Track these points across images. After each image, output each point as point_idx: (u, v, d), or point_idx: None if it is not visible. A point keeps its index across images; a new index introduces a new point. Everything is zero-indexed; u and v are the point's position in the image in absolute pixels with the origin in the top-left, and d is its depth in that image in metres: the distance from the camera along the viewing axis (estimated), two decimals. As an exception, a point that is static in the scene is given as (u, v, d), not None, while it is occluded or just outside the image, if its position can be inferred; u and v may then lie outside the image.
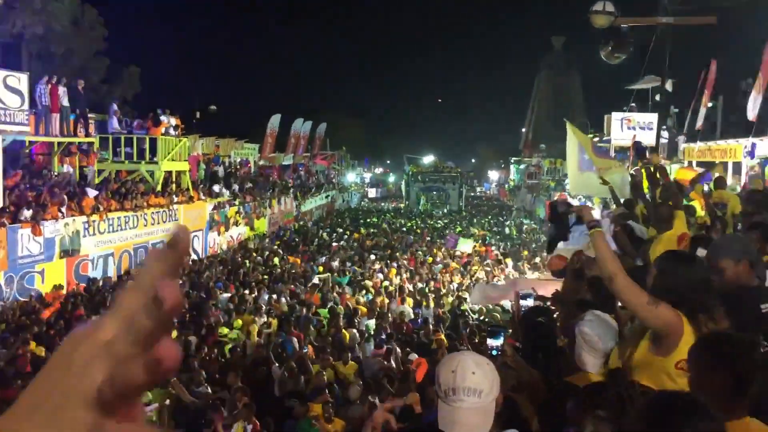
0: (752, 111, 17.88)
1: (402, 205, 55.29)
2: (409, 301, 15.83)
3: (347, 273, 19.50)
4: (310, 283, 17.37)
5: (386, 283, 18.26)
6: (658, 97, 23.99)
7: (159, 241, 20.14)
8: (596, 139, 31.87)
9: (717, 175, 9.83)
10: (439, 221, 39.94)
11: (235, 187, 28.70)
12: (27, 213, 15.13)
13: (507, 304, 12.95)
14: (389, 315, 14.29)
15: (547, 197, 39.57)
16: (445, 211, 48.97)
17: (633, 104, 27.95)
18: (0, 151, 15.87)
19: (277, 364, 10.02)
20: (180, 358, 0.53)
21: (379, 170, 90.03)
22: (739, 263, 3.31)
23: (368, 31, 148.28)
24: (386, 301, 15.62)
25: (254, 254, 22.52)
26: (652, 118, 24.44)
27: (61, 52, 32.10)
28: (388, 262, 22.08)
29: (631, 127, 26.47)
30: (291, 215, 34.36)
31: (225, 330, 12.52)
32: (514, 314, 5.64)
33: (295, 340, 11.51)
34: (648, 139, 24.02)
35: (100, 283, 16.21)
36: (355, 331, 12.60)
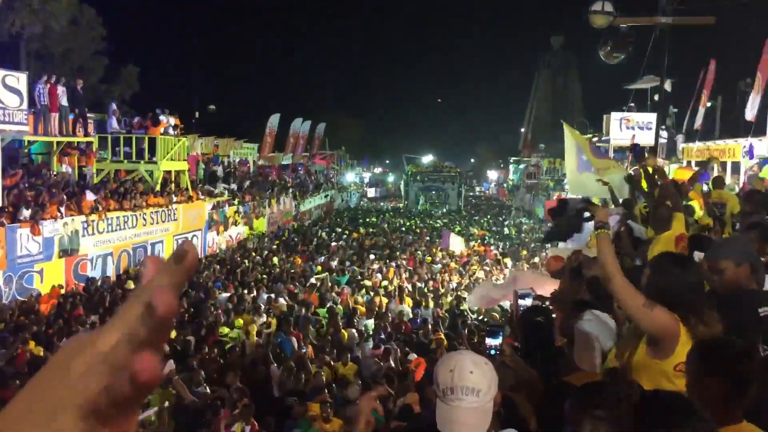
0: (750, 111, 17.90)
1: (401, 205, 55.29)
2: (408, 301, 15.82)
3: (346, 272, 19.51)
4: (309, 283, 17.38)
5: (385, 282, 18.27)
6: (657, 97, 24.02)
7: (158, 241, 20.15)
8: (595, 138, 31.88)
9: (714, 167, 9.83)
10: (438, 221, 39.94)
11: (234, 186, 28.69)
12: (26, 213, 15.12)
13: (506, 303, 12.95)
14: (389, 315, 14.28)
15: (546, 197, 39.59)
16: (444, 210, 48.98)
17: (632, 104, 27.96)
18: (-1, 151, 15.88)
19: (275, 364, 10.03)
20: (159, 372, 0.52)
21: (378, 170, 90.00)
22: (740, 266, 3.30)
23: (368, 31, 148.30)
24: (385, 301, 15.62)
25: (253, 254, 22.52)
26: (651, 117, 24.45)
27: (60, 51, 32.09)
28: (387, 261, 22.10)
29: (630, 127, 26.47)
30: (290, 215, 34.35)
31: (226, 330, 12.52)
32: (513, 314, 5.65)
33: (294, 339, 11.51)
34: (647, 138, 24.03)
35: (99, 283, 16.20)
36: (354, 331, 12.60)
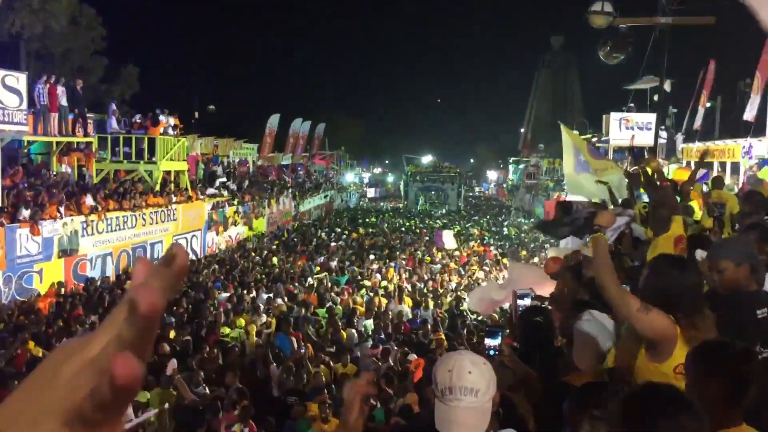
0: (750, 112, 17.91)
1: (401, 205, 55.29)
2: (408, 301, 15.82)
3: (346, 273, 19.52)
4: (307, 284, 17.40)
5: (384, 283, 18.27)
6: (656, 98, 24.03)
7: (157, 241, 20.15)
8: (595, 139, 31.90)
9: (707, 159, 9.79)
10: (437, 221, 39.95)
11: (233, 186, 28.69)
12: (25, 213, 15.12)
13: (506, 304, 12.91)
14: (389, 314, 14.28)
15: (546, 197, 39.62)
16: (444, 211, 48.98)
17: (632, 104, 27.96)
18: (-2, 151, 15.88)
19: (275, 364, 10.03)
20: (138, 374, 0.50)
21: (377, 170, 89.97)
22: (740, 266, 3.30)
23: (367, 31, 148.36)
24: (384, 301, 15.62)
25: (253, 254, 22.53)
26: (651, 118, 24.45)
27: (60, 51, 32.07)
28: (387, 262, 22.10)
29: (629, 127, 26.47)
30: (289, 215, 34.36)
31: (227, 330, 12.52)
32: (512, 314, 5.65)
33: (294, 339, 11.51)
34: (646, 139, 24.04)
35: (99, 283, 16.20)
36: (353, 331, 12.59)
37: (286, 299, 15.20)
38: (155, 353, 10.04)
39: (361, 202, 59.51)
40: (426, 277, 19.74)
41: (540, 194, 44.06)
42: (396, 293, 16.18)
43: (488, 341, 3.53)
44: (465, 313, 15.19)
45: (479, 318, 14.95)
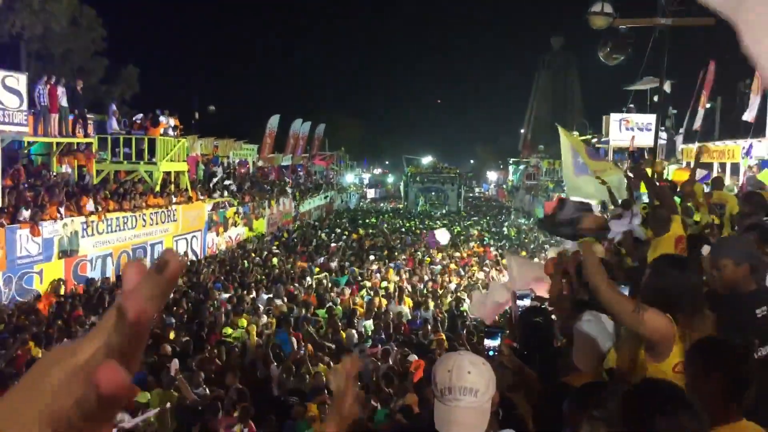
0: (749, 112, 17.92)
1: (401, 206, 55.30)
2: (408, 301, 15.82)
3: (346, 273, 19.52)
4: (307, 284, 17.41)
5: (384, 283, 18.27)
6: (656, 98, 24.04)
7: (158, 242, 20.15)
8: (595, 140, 31.93)
9: (703, 158, 9.79)
10: (437, 222, 39.95)
11: (234, 187, 28.70)
12: (26, 213, 15.13)
13: (507, 306, 12.88)
14: (390, 314, 14.27)
15: (546, 198, 39.61)
16: (444, 211, 48.98)
17: (631, 105, 27.99)
18: (-2, 152, 15.88)
19: (275, 364, 10.03)
20: (124, 383, 0.50)
21: (377, 171, 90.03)
22: (739, 265, 3.30)
23: (368, 31, 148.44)
24: (384, 302, 15.62)
25: (253, 254, 22.54)
26: (651, 119, 24.45)
27: (60, 52, 32.08)
28: (386, 262, 22.11)
29: (629, 128, 26.51)
30: (290, 216, 34.36)
31: (229, 330, 12.52)
32: (512, 315, 5.65)
33: (294, 340, 11.51)
34: (646, 140, 24.05)
35: (99, 284, 16.21)
36: (353, 331, 12.60)
37: (285, 300, 15.21)
38: (156, 354, 10.06)
39: (361, 203, 59.53)
40: (426, 278, 19.74)
41: (540, 195, 44.07)
42: (396, 294, 16.18)
43: (488, 342, 3.54)
44: (465, 314, 15.18)
45: (479, 318, 14.94)
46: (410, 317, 14.62)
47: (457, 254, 25.07)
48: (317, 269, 19.99)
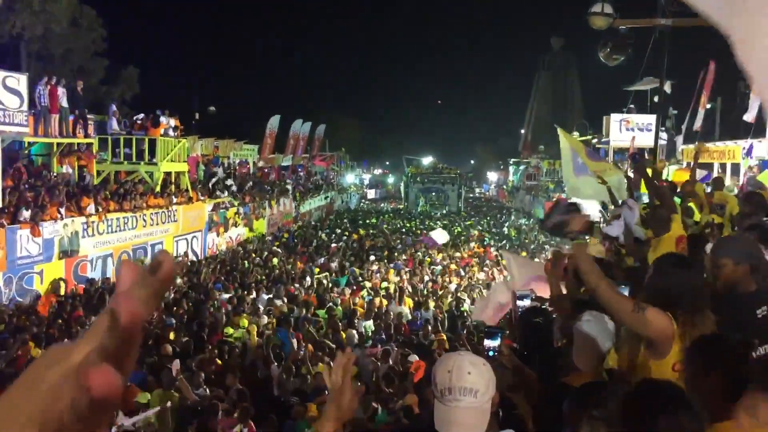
0: (750, 113, 17.92)
1: (401, 206, 55.30)
2: (409, 302, 15.82)
3: (346, 274, 19.52)
4: (307, 284, 17.42)
5: (385, 283, 18.27)
6: (656, 99, 24.04)
7: (158, 242, 20.15)
8: (595, 140, 31.93)
9: (701, 156, 9.76)
10: (437, 222, 39.95)
11: (234, 187, 28.71)
12: (26, 214, 15.14)
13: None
14: (390, 315, 14.27)
15: (546, 198, 39.60)
16: (444, 212, 48.98)
17: (632, 105, 27.98)
18: (-1, 152, 15.89)
19: (276, 364, 10.03)
20: (115, 386, 0.50)
21: (378, 171, 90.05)
22: (738, 265, 3.30)
23: (368, 32, 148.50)
24: (384, 302, 15.61)
25: (253, 255, 22.54)
26: (651, 119, 24.46)
27: (60, 52, 32.11)
28: (386, 263, 22.10)
29: (630, 129, 26.53)
30: (290, 216, 34.36)
31: (230, 330, 12.52)
32: (512, 315, 5.65)
33: (294, 340, 11.51)
34: (647, 140, 24.04)
35: (99, 284, 16.21)
36: (353, 332, 12.59)
37: (285, 300, 15.21)
38: (156, 354, 10.06)
39: (362, 204, 59.52)
40: (426, 278, 19.75)
41: (540, 196, 44.08)
42: (397, 294, 16.18)
43: (487, 342, 3.54)
44: (465, 314, 15.19)
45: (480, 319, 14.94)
46: (410, 318, 14.62)
47: (458, 254, 25.07)
48: (317, 269, 19.99)
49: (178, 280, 16.59)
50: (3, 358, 9.85)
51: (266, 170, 38.38)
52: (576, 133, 34.27)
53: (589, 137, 33.44)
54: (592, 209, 23.99)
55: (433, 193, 53.30)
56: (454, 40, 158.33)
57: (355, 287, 17.66)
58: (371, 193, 69.77)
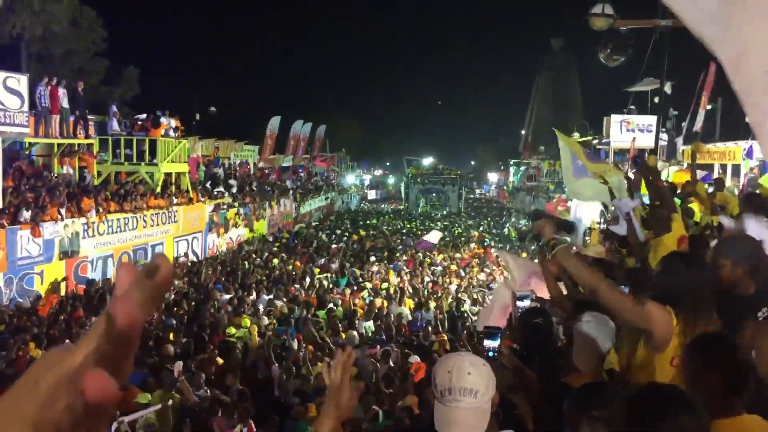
0: (751, 113, 17.88)
1: (401, 207, 55.31)
2: (409, 303, 15.82)
3: (346, 274, 19.51)
4: (308, 284, 17.41)
5: (385, 284, 18.27)
6: (657, 100, 24.04)
7: (158, 243, 20.16)
8: (595, 141, 31.91)
9: (699, 155, 9.76)
10: (438, 223, 39.94)
11: (234, 188, 28.71)
12: (26, 214, 15.14)
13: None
14: (391, 316, 14.27)
15: (547, 199, 39.60)
16: (445, 213, 48.99)
17: (632, 106, 27.96)
18: (-1, 153, 15.90)
19: (277, 365, 10.03)
20: (110, 391, 0.50)
21: (378, 172, 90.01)
22: (737, 266, 3.30)
23: (368, 33, 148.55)
24: (385, 303, 15.61)
25: (253, 255, 22.54)
26: (652, 120, 24.46)
27: (61, 53, 32.13)
28: (387, 263, 22.09)
29: (630, 129, 26.51)
30: (290, 217, 34.36)
31: (233, 330, 12.52)
32: (512, 316, 5.65)
33: (295, 340, 11.51)
34: (647, 141, 24.04)
35: (100, 285, 16.21)
36: (354, 332, 12.59)
37: (284, 301, 15.21)
38: (157, 355, 10.06)
39: (362, 204, 59.52)
40: (427, 279, 19.74)
41: (541, 196, 44.07)
42: (397, 295, 16.17)
43: (487, 342, 3.53)
44: (465, 315, 15.19)
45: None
46: (410, 318, 14.61)
47: (458, 255, 25.07)
48: (317, 270, 19.99)
49: (178, 281, 16.60)
50: (3, 359, 9.85)
51: (267, 171, 38.40)
52: (576, 134, 34.27)
53: (590, 138, 33.42)
54: (593, 210, 23.98)
55: (434, 194, 53.33)
56: (454, 40, 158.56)
57: (355, 288, 17.67)
58: (372, 194, 69.75)
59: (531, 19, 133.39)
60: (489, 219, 44.88)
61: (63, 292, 15.54)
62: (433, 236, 25.62)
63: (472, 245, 28.87)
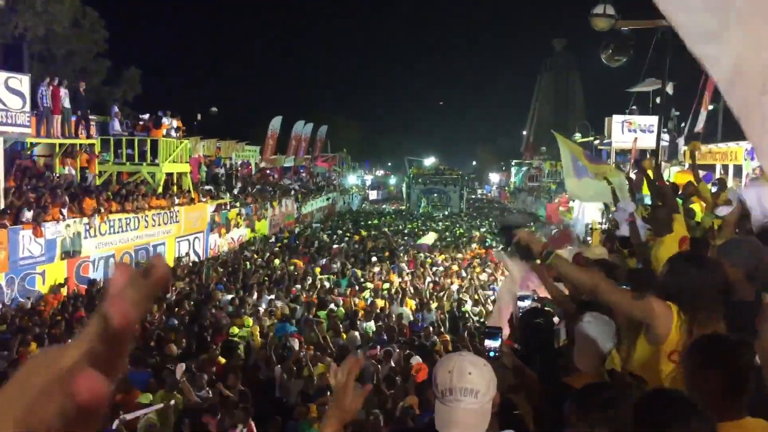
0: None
1: (403, 208, 55.30)
2: (410, 303, 15.80)
3: (347, 275, 19.50)
4: (309, 285, 17.41)
5: (386, 285, 18.25)
6: (658, 100, 24.02)
7: (160, 243, 20.17)
8: (597, 141, 31.90)
9: (698, 155, 9.75)
10: (439, 223, 39.93)
11: (236, 189, 28.74)
12: (28, 214, 15.16)
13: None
14: (392, 317, 14.25)
15: (548, 199, 39.60)
16: (446, 213, 48.99)
17: (634, 107, 27.97)
18: (1, 153, 15.91)
19: (279, 365, 10.03)
20: (101, 392, 0.49)
21: (380, 172, 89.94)
22: (734, 268, 3.30)
23: (370, 33, 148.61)
24: (387, 304, 15.59)
25: (255, 256, 22.54)
26: (653, 120, 24.46)
27: (63, 53, 32.16)
28: (388, 264, 22.07)
29: (632, 130, 26.53)
30: (292, 217, 34.38)
31: (236, 329, 12.53)
32: (512, 316, 5.65)
33: (296, 341, 11.50)
34: (649, 141, 24.03)
35: (101, 285, 16.22)
36: (356, 333, 12.58)
37: (284, 301, 15.20)
38: (159, 355, 10.06)
39: (364, 205, 59.52)
40: (428, 279, 19.72)
41: (542, 197, 44.09)
42: (398, 296, 16.16)
43: (488, 342, 3.53)
44: (467, 315, 15.18)
45: (482, 320, 14.93)
46: (412, 319, 14.60)
47: (459, 255, 25.05)
48: (318, 270, 19.98)
49: (180, 282, 16.61)
50: (5, 359, 9.86)
51: (268, 171, 38.42)
52: (578, 135, 34.29)
53: (591, 138, 33.43)
54: (593, 211, 23.95)
55: (435, 195, 53.34)
56: (453, 40, 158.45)
57: (357, 287, 17.66)
58: (373, 194, 69.72)
59: (531, 19, 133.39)
60: (490, 219, 44.87)
61: (64, 292, 15.55)
62: (428, 238, 25.62)
63: (474, 245, 28.84)
